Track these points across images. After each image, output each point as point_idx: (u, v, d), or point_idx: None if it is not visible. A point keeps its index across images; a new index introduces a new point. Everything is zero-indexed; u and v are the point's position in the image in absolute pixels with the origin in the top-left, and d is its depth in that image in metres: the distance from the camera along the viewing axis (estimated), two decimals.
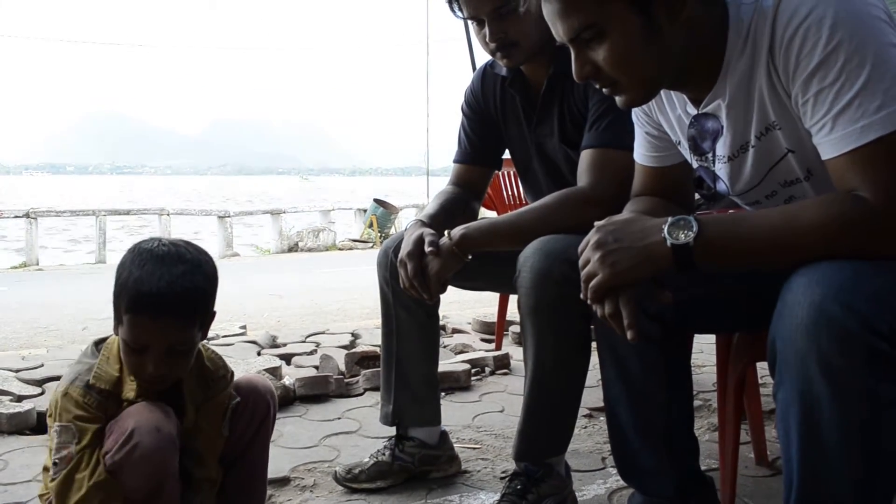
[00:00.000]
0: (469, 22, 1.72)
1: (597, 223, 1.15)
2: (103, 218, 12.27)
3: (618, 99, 1.19)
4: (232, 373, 1.49)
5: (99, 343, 1.41)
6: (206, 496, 1.41)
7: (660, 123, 1.36)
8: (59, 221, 16.38)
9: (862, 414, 0.94)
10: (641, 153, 1.42)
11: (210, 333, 3.59)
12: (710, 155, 1.26)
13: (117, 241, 13.74)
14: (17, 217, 12.17)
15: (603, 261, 1.11)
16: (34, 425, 2.32)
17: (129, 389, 1.36)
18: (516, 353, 3.13)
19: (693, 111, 1.24)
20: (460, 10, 1.69)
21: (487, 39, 1.67)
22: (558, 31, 1.14)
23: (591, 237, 1.13)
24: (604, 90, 1.18)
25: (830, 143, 1.02)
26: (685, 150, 1.32)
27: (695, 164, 1.32)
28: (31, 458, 2.08)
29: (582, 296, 1.16)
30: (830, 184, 1.06)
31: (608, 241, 1.11)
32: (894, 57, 0.99)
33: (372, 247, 12.42)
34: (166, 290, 1.26)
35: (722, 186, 1.29)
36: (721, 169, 1.26)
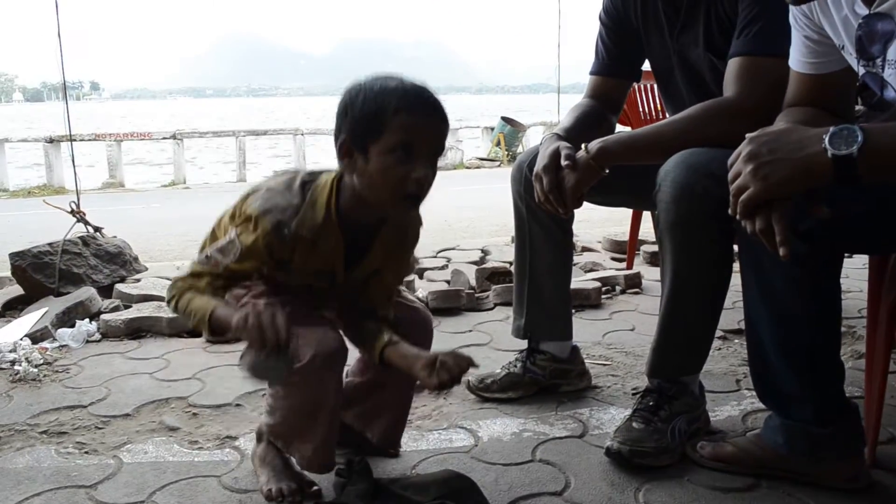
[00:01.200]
0: None
1: (749, 135, 1.09)
2: (242, 139, 12.84)
3: None
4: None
5: (306, 184, 1.38)
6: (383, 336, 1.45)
7: (822, 26, 1.25)
8: (202, 142, 17.28)
9: None
10: (798, 59, 1.33)
11: None
12: (879, 60, 1.16)
13: (256, 161, 14.38)
14: (164, 139, 12.95)
15: (755, 173, 1.05)
16: (191, 329, 2.51)
17: (331, 243, 1.37)
18: (647, 273, 3.08)
19: (863, 10, 1.13)
20: None
21: None
22: None
23: (743, 148, 1.08)
24: None
25: None
26: (849, 54, 1.22)
27: (861, 71, 1.22)
28: (190, 357, 2.27)
29: (731, 211, 1.11)
30: None
31: (762, 153, 1.05)
32: None
33: (499, 165, 12.39)
34: (430, 93, 1.29)
35: (891, 94, 1.19)
36: (891, 75, 1.15)
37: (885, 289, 1.51)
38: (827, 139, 1.01)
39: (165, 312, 2.54)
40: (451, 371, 1.30)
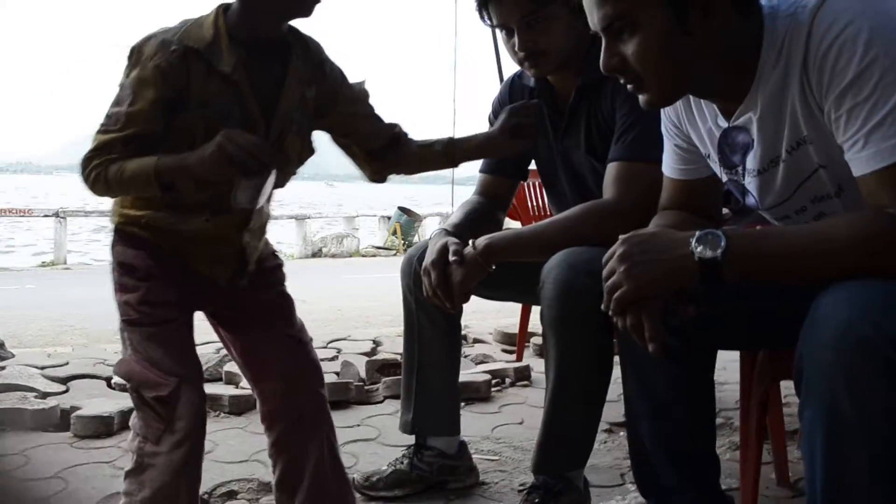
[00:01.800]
0: (498, 31, 1.73)
1: (622, 236, 1.14)
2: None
3: (641, 98, 1.18)
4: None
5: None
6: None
7: (689, 136, 1.35)
8: (86, 221, 16.63)
9: (888, 432, 0.93)
10: (670, 166, 1.42)
11: None
12: (739, 168, 1.26)
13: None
14: (46, 216, 12.38)
15: (628, 273, 1.10)
16: (57, 423, 2.35)
17: (227, 61, 1.35)
18: (537, 365, 3.12)
19: (724, 123, 1.23)
20: (489, 17, 1.70)
21: (516, 48, 1.68)
22: (593, 19, 1.14)
23: (617, 249, 1.13)
24: (628, 86, 1.18)
25: (862, 160, 1.02)
26: (714, 163, 1.32)
27: (724, 178, 1.32)
28: (54, 454, 2.11)
29: (604, 307, 1.15)
30: (861, 201, 1.05)
31: (634, 253, 1.11)
32: None
33: (395, 254, 12.47)
34: None
35: (751, 200, 1.29)
36: (751, 183, 1.25)
37: (755, 383, 1.58)
38: (693, 242, 1.06)
39: (30, 404, 2.37)
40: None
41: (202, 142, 1.32)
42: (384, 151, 1.61)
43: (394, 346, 3.46)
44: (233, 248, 1.49)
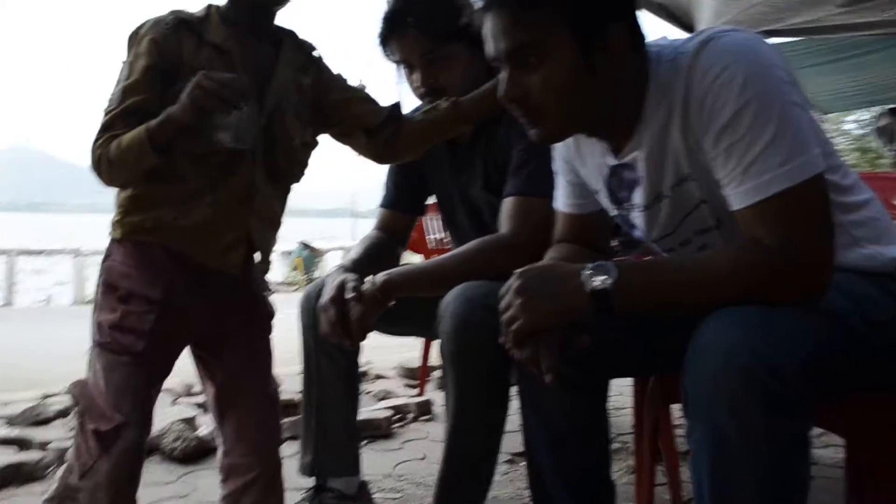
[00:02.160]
0: (399, 66, 1.75)
1: (517, 270, 1.16)
2: (13, 258, 11.77)
3: (534, 131, 1.21)
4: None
5: None
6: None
7: (579, 172, 1.40)
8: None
9: (768, 455, 0.97)
10: (562, 200, 1.46)
11: None
12: (627, 203, 1.31)
13: (26, 284, 13.16)
14: None
15: (524, 306, 1.12)
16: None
17: (217, 34, 1.43)
18: (439, 399, 3.12)
19: (612, 161, 1.28)
20: (391, 53, 1.71)
21: (417, 85, 1.70)
22: (498, 46, 1.16)
23: (513, 283, 1.15)
24: (521, 119, 1.20)
25: (739, 195, 1.08)
26: (603, 198, 1.36)
27: (613, 212, 1.37)
28: None
29: (502, 340, 1.17)
30: (738, 232, 1.11)
31: (529, 287, 1.13)
32: (797, 115, 1.06)
33: (297, 290, 12.25)
34: None
35: (638, 233, 1.34)
36: (637, 217, 1.30)
37: (647, 407, 1.64)
38: (584, 275, 1.10)
39: None
40: None
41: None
42: (386, 126, 1.62)
43: (293, 386, 3.37)
44: (240, 234, 1.49)
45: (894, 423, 1.21)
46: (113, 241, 1.49)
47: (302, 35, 1.62)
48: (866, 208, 1.23)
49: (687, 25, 3.86)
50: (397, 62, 1.73)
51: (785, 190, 1.04)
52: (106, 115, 1.40)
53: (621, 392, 2.96)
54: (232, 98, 1.29)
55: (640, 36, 1.18)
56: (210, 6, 1.49)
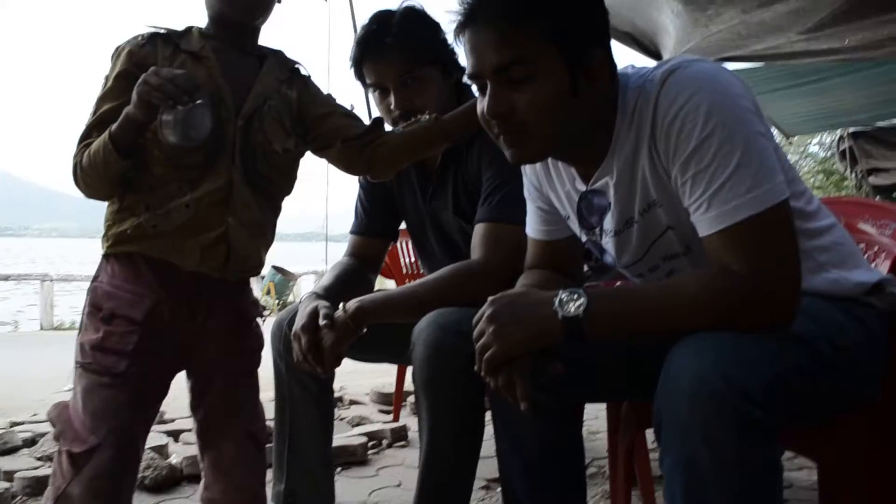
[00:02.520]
0: (371, 90, 1.75)
1: (490, 297, 1.16)
2: None
3: (511, 151, 1.20)
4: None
5: None
6: None
7: (549, 198, 1.41)
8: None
9: (740, 480, 0.98)
10: (533, 227, 1.47)
11: None
12: (597, 229, 1.32)
13: None
14: None
15: (497, 334, 1.12)
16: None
17: (194, 44, 1.45)
18: (414, 425, 3.09)
19: (582, 187, 1.29)
20: (364, 76, 1.72)
21: (392, 107, 1.70)
22: (485, 61, 1.15)
23: (486, 310, 1.15)
24: (500, 137, 1.19)
25: (706, 221, 1.09)
26: (574, 224, 1.37)
27: (583, 238, 1.38)
28: None
29: (476, 368, 1.17)
30: (706, 259, 1.12)
31: (502, 314, 1.13)
32: (761, 144, 1.08)
33: (269, 314, 12.11)
34: None
35: (608, 258, 1.35)
36: (608, 243, 1.31)
37: (621, 432, 1.64)
38: (556, 302, 1.10)
39: None
40: None
41: None
42: (365, 136, 1.62)
43: (266, 413, 3.34)
44: (218, 234, 1.49)
45: (863, 446, 1.23)
46: (101, 260, 1.50)
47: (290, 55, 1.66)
48: (830, 233, 1.25)
49: (653, 52, 3.93)
50: (371, 85, 1.73)
51: (751, 216, 1.05)
52: (85, 127, 1.43)
53: (596, 416, 2.96)
54: (175, 93, 1.28)
55: (614, 63, 1.20)
56: (191, 26, 1.53)
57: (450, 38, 1.23)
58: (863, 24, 3.32)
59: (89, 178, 1.39)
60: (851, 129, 7.68)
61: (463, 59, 1.78)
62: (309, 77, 1.67)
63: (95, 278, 1.50)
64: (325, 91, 1.69)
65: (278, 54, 1.62)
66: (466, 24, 1.16)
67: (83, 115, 1.49)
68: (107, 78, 1.45)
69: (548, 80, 1.13)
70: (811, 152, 17.20)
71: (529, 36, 1.12)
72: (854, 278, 1.22)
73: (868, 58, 4.29)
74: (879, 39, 3.56)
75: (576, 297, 1.09)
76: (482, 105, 1.18)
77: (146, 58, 1.43)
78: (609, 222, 1.28)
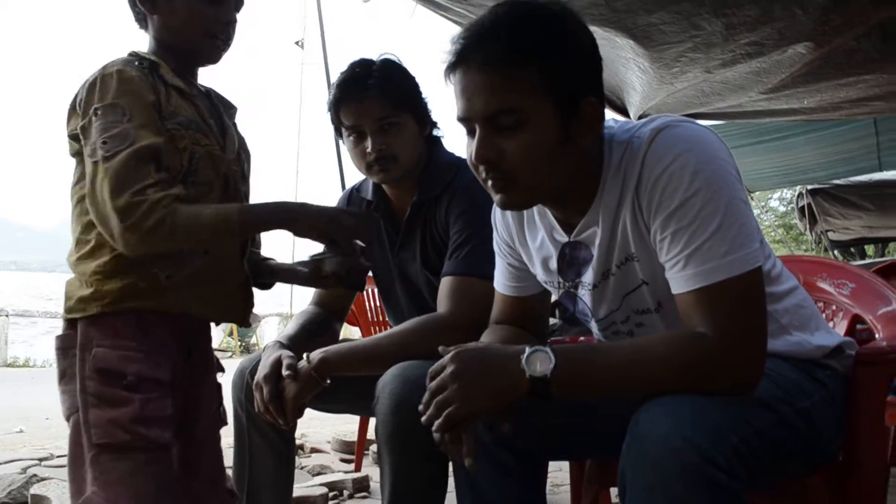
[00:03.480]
0: (346, 136, 1.75)
1: (453, 349, 1.13)
2: None
3: (500, 196, 1.18)
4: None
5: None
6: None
7: (520, 255, 1.40)
8: None
9: None
10: (502, 282, 1.46)
11: (42, 453, 3.25)
12: (576, 281, 1.31)
13: None
14: None
15: (461, 391, 1.09)
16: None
17: (171, 74, 1.38)
18: (376, 475, 3.03)
19: (563, 238, 1.29)
20: (339, 119, 1.72)
21: (368, 150, 1.70)
22: (475, 107, 1.13)
23: (448, 364, 1.12)
24: (488, 182, 1.17)
25: (682, 279, 1.10)
26: (546, 276, 1.36)
27: (557, 291, 1.36)
28: None
29: (427, 419, 1.13)
30: (677, 318, 1.13)
31: (466, 371, 1.10)
32: (741, 209, 1.10)
33: (231, 356, 11.95)
34: None
35: (583, 310, 1.34)
36: (585, 295, 1.31)
37: (584, 491, 1.62)
38: (524, 360, 1.08)
39: None
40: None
41: (190, 166, 1.34)
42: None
43: (224, 461, 3.26)
44: (236, 281, 1.45)
45: None
46: (84, 320, 1.32)
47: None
48: (792, 296, 1.27)
49: (619, 107, 4.01)
50: (348, 128, 1.73)
51: (726, 279, 1.06)
52: (113, 155, 1.23)
53: (560, 468, 2.94)
54: (364, 240, 1.37)
55: (603, 112, 1.20)
56: (150, 55, 1.42)
57: (429, 87, 1.23)
58: (819, 86, 3.44)
59: (182, 239, 1.25)
60: (810, 186, 7.88)
61: (436, 113, 1.82)
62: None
63: (87, 343, 1.30)
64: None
65: (216, 93, 1.57)
66: (458, 65, 1.14)
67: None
68: (122, 108, 1.27)
69: (538, 129, 1.12)
70: (772, 206, 17.61)
71: (522, 83, 1.11)
72: (815, 341, 1.24)
73: (826, 119, 4.43)
74: (836, 102, 3.68)
75: (544, 356, 1.07)
76: (470, 149, 1.16)
77: (153, 88, 1.33)
78: (588, 276, 1.28)
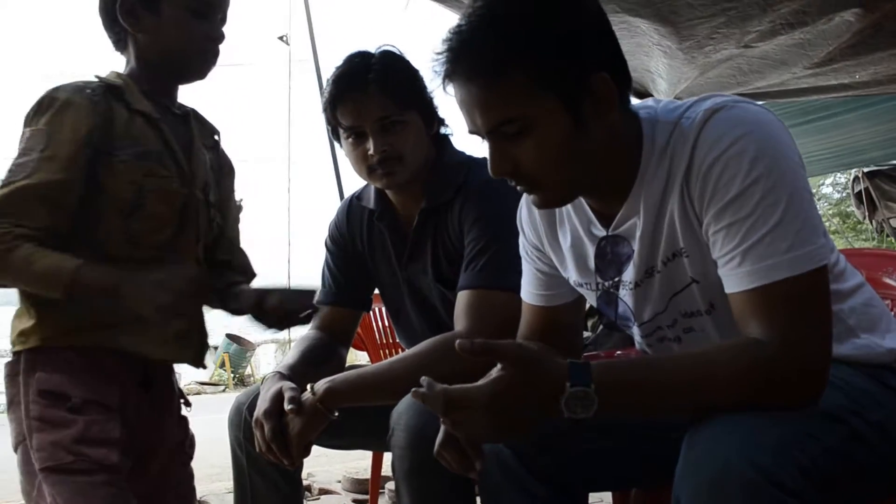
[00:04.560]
0: (344, 136, 1.75)
1: (483, 401, 1.07)
2: None
3: (533, 197, 1.21)
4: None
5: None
6: None
7: (551, 258, 1.40)
8: None
9: None
10: (530, 291, 1.46)
11: None
12: (615, 280, 1.30)
13: None
14: None
15: (492, 426, 1.07)
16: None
17: (138, 99, 1.42)
18: None
19: (601, 232, 1.28)
20: (335, 119, 1.72)
21: (370, 152, 1.69)
22: (475, 121, 1.15)
23: (480, 399, 1.07)
24: (518, 188, 1.20)
25: (737, 277, 1.09)
26: (578, 275, 1.35)
27: (594, 293, 1.35)
28: None
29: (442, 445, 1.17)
30: (731, 320, 1.12)
31: (504, 412, 1.07)
32: (806, 200, 1.09)
33: (224, 390, 11.96)
34: None
35: (623, 313, 1.33)
36: (626, 295, 1.30)
37: None
38: (563, 403, 1.03)
39: None
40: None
41: (137, 199, 1.38)
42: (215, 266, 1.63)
43: None
44: (192, 321, 1.50)
45: None
46: (26, 355, 1.40)
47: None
48: (859, 294, 1.26)
49: (641, 94, 4.00)
50: (347, 129, 1.72)
51: (788, 278, 1.05)
52: (7, 185, 1.32)
53: (602, 500, 2.93)
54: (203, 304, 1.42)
55: (626, 83, 1.19)
56: (121, 75, 1.50)
57: (430, 86, 1.24)
58: (872, 57, 3.42)
59: (9, 279, 1.33)
60: (866, 169, 7.82)
61: (443, 110, 1.82)
62: (219, 143, 1.73)
63: (29, 370, 1.39)
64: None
65: (196, 114, 1.64)
66: (446, 80, 1.17)
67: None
68: (48, 135, 1.35)
69: (546, 129, 1.13)
70: (824, 193, 17.53)
71: (514, 88, 1.11)
72: (886, 344, 1.22)
73: (882, 93, 4.40)
74: (892, 74, 3.66)
75: (586, 398, 1.03)
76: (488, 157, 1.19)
77: (104, 119, 1.39)
78: (630, 273, 1.27)
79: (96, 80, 1.46)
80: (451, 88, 1.17)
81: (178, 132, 1.52)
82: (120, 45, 1.50)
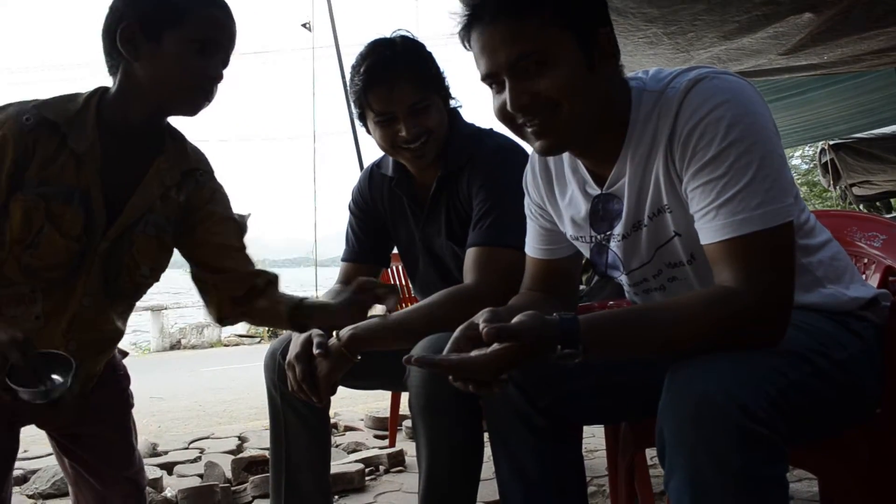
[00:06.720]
0: (374, 119, 1.72)
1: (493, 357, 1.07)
2: None
3: (540, 143, 1.20)
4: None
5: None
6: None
7: (551, 215, 1.41)
8: None
9: (747, 498, 0.96)
10: (533, 246, 1.47)
11: None
12: (607, 233, 1.31)
13: None
14: None
15: (494, 371, 1.09)
16: None
17: (82, 141, 1.28)
18: (411, 449, 3.07)
19: (595, 190, 1.29)
20: (366, 104, 1.70)
21: (403, 134, 1.68)
22: (498, 59, 1.15)
23: (491, 370, 1.08)
24: (527, 129, 1.19)
25: (711, 230, 1.10)
26: (573, 229, 1.36)
27: (588, 245, 1.36)
28: None
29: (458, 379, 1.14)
30: (709, 270, 1.12)
31: (511, 364, 1.08)
32: (777, 163, 1.09)
33: (259, 342, 12.05)
34: None
35: (613, 262, 1.34)
36: (616, 246, 1.31)
37: (620, 453, 1.62)
38: (556, 359, 1.06)
39: None
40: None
41: (33, 238, 1.26)
42: (240, 301, 1.52)
43: (261, 441, 3.31)
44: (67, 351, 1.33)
45: (865, 459, 1.22)
46: None
47: (193, 143, 1.51)
48: (826, 249, 1.26)
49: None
50: (378, 113, 1.70)
51: (757, 231, 1.06)
52: None
53: (594, 434, 2.95)
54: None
55: (616, 44, 1.20)
56: (91, 101, 1.34)
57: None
58: (839, 41, 3.37)
59: None
60: (832, 142, 7.75)
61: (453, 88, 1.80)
62: (210, 174, 1.52)
63: None
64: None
65: (178, 146, 1.47)
66: (472, 24, 1.17)
67: None
68: None
69: (564, 62, 1.14)
70: (794, 164, 17.38)
71: (537, 25, 1.13)
72: (850, 293, 1.22)
73: (847, 71, 4.34)
74: (857, 54, 3.61)
75: (574, 355, 1.05)
76: (499, 101, 1.18)
77: (24, 150, 1.26)
78: (619, 226, 1.28)
79: (35, 109, 1.29)
80: (471, 40, 1.18)
81: (126, 169, 1.37)
82: (113, 70, 1.34)
